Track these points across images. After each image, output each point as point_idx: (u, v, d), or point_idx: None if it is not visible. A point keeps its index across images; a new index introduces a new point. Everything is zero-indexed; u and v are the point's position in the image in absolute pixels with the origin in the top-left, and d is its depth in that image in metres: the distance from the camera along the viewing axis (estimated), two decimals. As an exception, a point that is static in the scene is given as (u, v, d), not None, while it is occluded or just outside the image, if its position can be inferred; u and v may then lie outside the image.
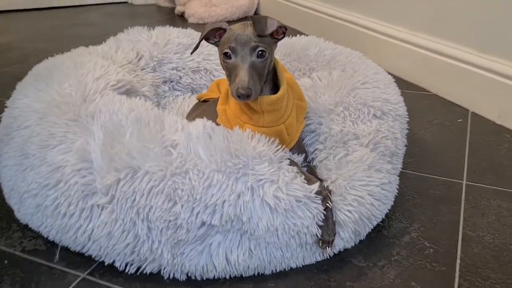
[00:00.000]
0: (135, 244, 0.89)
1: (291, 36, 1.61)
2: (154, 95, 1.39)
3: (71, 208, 0.90)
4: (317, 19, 2.58)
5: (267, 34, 0.95)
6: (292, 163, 1.00)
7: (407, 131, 1.27)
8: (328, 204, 0.95)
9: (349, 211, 0.98)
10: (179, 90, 1.51)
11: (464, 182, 1.28)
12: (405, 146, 1.22)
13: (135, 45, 1.45)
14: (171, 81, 1.50)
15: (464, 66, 1.71)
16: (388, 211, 1.11)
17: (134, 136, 0.90)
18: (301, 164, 1.07)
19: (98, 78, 1.11)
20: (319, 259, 0.99)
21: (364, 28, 2.21)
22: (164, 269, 0.92)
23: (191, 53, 1.05)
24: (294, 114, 1.06)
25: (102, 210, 0.89)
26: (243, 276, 0.94)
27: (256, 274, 0.95)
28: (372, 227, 1.05)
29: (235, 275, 0.94)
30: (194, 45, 1.04)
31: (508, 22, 1.54)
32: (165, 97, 1.47)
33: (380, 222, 1.08)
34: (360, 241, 1.04)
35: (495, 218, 1.13)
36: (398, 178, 1.13)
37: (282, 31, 0.99)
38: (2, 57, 2.51)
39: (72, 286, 0.94)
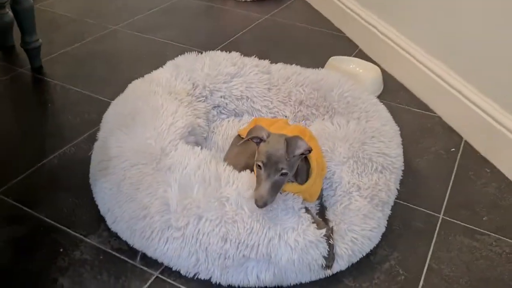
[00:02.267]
0: (196, 263, 1.31)
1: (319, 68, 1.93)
2: (205, 122, 1.75)
3: (153, 235, 1.32)
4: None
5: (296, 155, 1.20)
6: (307, 211, 1.38)
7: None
8: (330, 241, 1.35)
9: (345, 248, 1.37)
10: (224, 114, 1.87)
11: (441, 216, 1.64)
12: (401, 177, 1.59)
13: (191, 75, 1.79)
14: (219, 107, 1.85)
15: (461, 98, 2.00)
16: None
17: (200, 192, 1.29)
18: (316, 204, 1.46)
19: (170, 125, 1.48)
20: (322, 277, 1.40)
21: (389, 39, 2.47)
22: (214, 279, 1.35)
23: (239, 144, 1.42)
24: (317, 183, 1.41)
25: (174, 239, 1.30)
26: (267, 287, 1.37)
27: (277, 287, 1.37)
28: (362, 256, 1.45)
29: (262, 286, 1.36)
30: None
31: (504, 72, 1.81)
32: (213, 121, 1.82)
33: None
34: (352, 264, 1.45)
35: (456, 253, 1.50)
36: (387, 220, 1.51)
37: (308, 150, 1.22)
38: (61, 33, 2.83)
39: (149, 282, 1.37)
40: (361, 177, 1.47)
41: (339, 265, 1.39)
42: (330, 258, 1.36)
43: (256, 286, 1.35)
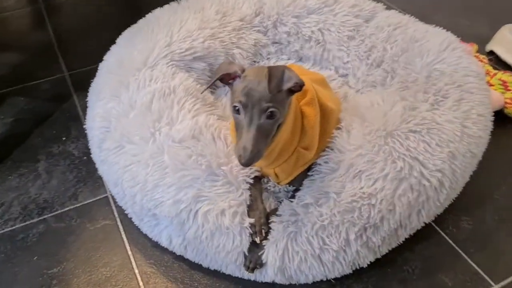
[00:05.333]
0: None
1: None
2: (251, 55, 1.46)
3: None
4: None
5: (283, 90, 0.89)
6: (253, 186, 1.03)
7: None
8: (255, 239, 0.98)
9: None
10: (285, 55, 1.52)
11: None
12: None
13: (262, -1, 1.49)
14: (280, 44, 1.51)
15: None
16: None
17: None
18: (287, 190, 1.08)
19: (169, 45, 1.28)
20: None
21: None
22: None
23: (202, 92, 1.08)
24: (292, 161, 1.03)
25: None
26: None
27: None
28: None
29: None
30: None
31: None
32: (268, 58, 1.51)
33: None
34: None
35: None
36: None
37: (299, 85, 0.91)
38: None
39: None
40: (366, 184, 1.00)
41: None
42: (250, 258, 1.00)
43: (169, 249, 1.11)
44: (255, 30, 1.47)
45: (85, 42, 1.84)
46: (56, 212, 1.21)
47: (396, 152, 1.02)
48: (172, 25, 1.34)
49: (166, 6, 1.45)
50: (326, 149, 1.07)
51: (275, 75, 0.87)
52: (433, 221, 1.12)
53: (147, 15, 1.43)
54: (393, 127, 1.06)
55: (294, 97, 0.96)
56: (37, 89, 1.62)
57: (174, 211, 1.01)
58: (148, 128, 1.09)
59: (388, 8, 1.49)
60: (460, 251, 1.11)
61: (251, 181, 1.03)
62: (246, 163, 0.86)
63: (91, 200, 1.24)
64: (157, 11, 1.43)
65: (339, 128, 1.09)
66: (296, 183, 1.07)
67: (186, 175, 1.02)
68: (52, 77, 1.66)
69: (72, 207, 1.22)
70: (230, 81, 0.96)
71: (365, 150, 1.03)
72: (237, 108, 0.89)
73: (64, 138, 1.42)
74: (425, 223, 1.07)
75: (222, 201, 0.99)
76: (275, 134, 0.93)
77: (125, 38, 1.35)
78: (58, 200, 1.24)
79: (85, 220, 1.19)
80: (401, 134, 1.05)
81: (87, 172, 1.31)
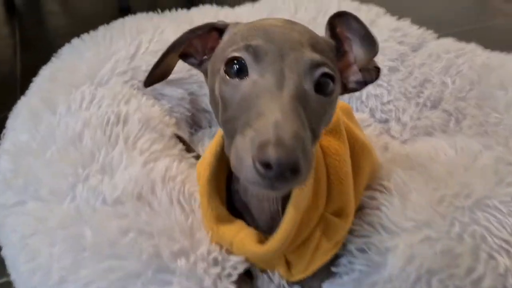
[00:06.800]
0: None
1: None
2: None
3: None
4: None
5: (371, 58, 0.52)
6: None
7: None
8: None
9: None
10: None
11: None
12: None
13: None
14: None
15: None
16: None
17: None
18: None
19: (132, 57, 0.88)
20: None
21: None
22: None
23: (145, 84, 0.60)
24: (314, 241, 0.58)
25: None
26: None
27: None
28: None
29: None
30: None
31: None
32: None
33: None
34: None
35: None
36: None
37: (374, 66, 0.54)
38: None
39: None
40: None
41: None
42: None
43: None
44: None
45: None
46: None
47: (494, 237, 0.56)
48: (142, 32, 0.94)
49: (141, 14, 1.04)
50: (363, 225, 0.62)
51: (349, 20, 0.51)
52: None
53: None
54: (483, 191, 0.60)
55: None
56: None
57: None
58: (67, 176, 0.66)
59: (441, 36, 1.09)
60: None
61: (233, 286, 0.57)
62: (287, 159, 0.38)
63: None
64: (128, 18, 1.02)
65: (379, 190, 0.65)
66: (314, 284, 0.61)
67: (115, 268, 0.57)
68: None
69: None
70: (205, 54, 0.56)
71: (436, 231, 0.57)
72: (241, 60, 0.47)
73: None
74: None
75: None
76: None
77: (72, 46, 0.94)
78: None
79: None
80: (499, 204, 0.59)
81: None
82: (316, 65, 0.46)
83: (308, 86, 0.46)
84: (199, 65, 0.57)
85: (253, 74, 0.46)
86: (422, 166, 0.67)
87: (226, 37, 0.53)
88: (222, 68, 0.48)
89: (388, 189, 0.64)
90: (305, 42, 0.48)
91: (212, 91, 0.51)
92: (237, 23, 0.54)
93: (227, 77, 0.47)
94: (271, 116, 0.41)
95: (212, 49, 0.54)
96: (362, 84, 0.54)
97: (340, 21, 0.52)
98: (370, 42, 0.50)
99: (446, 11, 1.87)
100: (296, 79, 0.45)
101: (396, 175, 0.66)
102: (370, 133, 0.99)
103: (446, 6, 1.93)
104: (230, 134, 0.46)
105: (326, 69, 0.47)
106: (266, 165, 0.39)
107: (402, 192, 0.62)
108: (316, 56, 0.47)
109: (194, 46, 0.56)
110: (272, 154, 0.38)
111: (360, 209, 0.65)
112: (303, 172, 0.40)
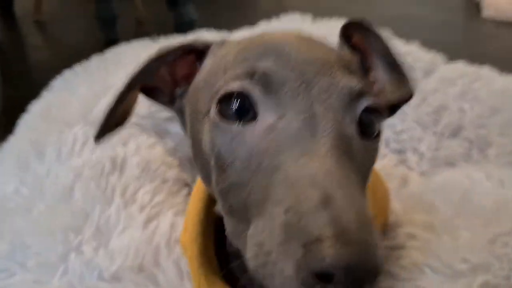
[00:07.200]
0: None
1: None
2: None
3: None
4: None
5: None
6: None
7: None
8: None
9: None
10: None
11: None
12: None
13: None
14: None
15: None
16: None
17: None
18: None
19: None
20: None
21: None
22: None
23: (97, 137, 0.46)
24: None
25: None
26: None
27: None
28: None
29: None
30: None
31: None
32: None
33: None
34: None
35: None
36: None
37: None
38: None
39: None
40: None
41: None
42: None
43: None
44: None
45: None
46: None
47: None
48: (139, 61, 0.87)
49: (137, 42, 0.97)
50: (407, 266, 0.55)
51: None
52: None
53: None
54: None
55: None
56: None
57: None
58: (57, 243, 0.57)
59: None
60: None
61: None
62: (359, 261, 0.26)
63: None
64: (124, 46, 0.95)
65: (416, 225, 0.59)
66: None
67: None
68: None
69: None
70: (177, 85, 0.44)
71: (494, 275, 0.51)
72: (244, 96, 0.34)
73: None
74: None
75: None
76: None
77: (64, 80, 0.86)
78: None
79: None
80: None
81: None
82: (356, 95, 0.34)
83: (350, 127, 0.34)
84: (170, 102, 0.44)
85: (267, 114, 0.33)
86: (462, 200, 0.61)
87: (208, 61, 0.42)
88: (213, 109, 0.35)
89: (431, 226, 0.58)
90: (334, 61, 0.36)
91: (196, 142, 0.38)
92: (223, 42, 0.43)
93: (223, 121, 0.34)
94: (314, 186, 0.28)
95: (187, 78, 0.43)
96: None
97: (357, 32, 0.42)
98: (398, 75, 0.42)
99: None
100: (334, 119, 0.33)
101: (436, 211, 0.60)
102: (386, 164, 0.93)
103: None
104: (238, 212, 0.34)
105: (369, 101, 0.35)
106: (325, 277, 0.26)
107: (448, 229, 0.56)
108: (354, 82, 0.35)
109: (160, 76, 0.43)
110: (337, 259, 0.25)
111: (394, 248, 0.59)
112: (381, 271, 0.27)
